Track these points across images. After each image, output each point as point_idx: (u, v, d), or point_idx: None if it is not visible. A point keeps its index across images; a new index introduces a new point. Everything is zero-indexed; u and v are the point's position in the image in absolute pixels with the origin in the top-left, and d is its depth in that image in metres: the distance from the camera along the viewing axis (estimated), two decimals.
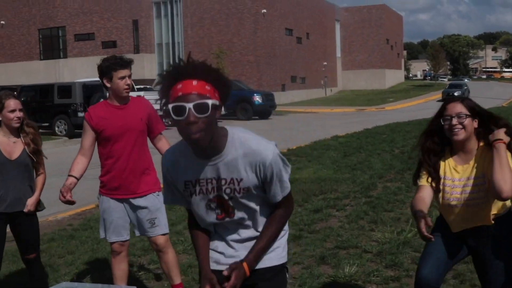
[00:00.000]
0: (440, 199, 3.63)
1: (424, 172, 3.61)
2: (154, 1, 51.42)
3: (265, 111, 31.38)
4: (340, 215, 7.83)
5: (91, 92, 22.60)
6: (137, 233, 4.84)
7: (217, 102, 2.40)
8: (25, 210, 4.61)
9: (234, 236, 2.77)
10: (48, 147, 19.30)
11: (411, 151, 12.28)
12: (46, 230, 7.90)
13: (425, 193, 3.57)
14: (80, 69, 49.87)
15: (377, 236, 6.55)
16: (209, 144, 2.44)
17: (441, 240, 3.68)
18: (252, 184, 2.59)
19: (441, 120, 3.52)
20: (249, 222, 2.74)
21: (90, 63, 50.49)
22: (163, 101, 2.45)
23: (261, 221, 2.75)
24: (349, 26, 73.24)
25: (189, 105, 2.31)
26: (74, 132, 22.64)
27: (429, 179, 3.58)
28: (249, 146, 2.55)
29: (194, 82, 2.36)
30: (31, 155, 4.62)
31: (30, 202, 4.62)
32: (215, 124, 2.44)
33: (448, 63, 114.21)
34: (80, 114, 22.04)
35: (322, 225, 7.31)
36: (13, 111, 4.48)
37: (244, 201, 2.65)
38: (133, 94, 21.95)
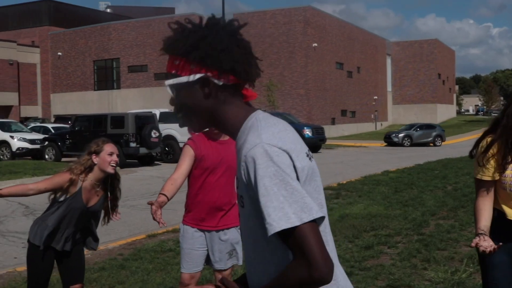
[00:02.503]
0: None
1: (492, 162, 3.49)
2: None
3: (315, 145, 31.31)
4: (391, 252, 7.69)
5: (143, 123, 22.95)
6: (214, 266, 4.74)
7: (187, 76, 1.84)
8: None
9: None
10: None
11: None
12: (96, 259, 7.99)
13: (489, 195, 3.50)
14: (132, 100, 50.83)
15: (430, 275, 6.40)
16: (209, 127, 1.91)
17: (505, 260, 3.51)
18: (241, 191, 1.79)
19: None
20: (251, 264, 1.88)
21: (142, 94, 51.56)
22: None
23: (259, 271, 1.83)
24: (400, 60, 72.88)
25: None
26: (126, 162, 23.00)
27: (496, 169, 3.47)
28: (247, 138, 1.77)
29: (170, 62, 1.92)
30: (107, 209, 4.71)
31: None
32: (197, 104, 1.84)
33: (502, 98, 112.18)
34: (132, 145, 22.40)
35: (373, 262, 7.19)
36: (111, 154, 4.51)
37: (242, 222, 1.88)
38: None
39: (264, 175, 1.66)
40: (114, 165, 4.53)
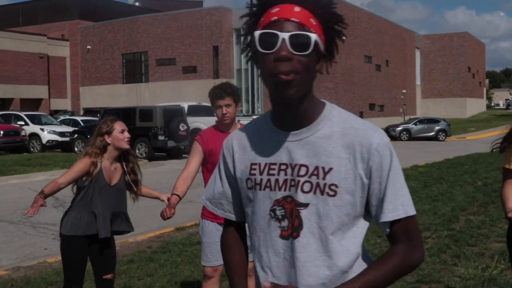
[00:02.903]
0: None
1: None
2: (234, 28, 52.15)
3: None
4: None
5: (171, 116, 23.06)
6: None
7: (321, 44, 1.75)
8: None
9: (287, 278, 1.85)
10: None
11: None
12: (125, 251, 8.04)
13: None
14: (160, 93, 51.07)
15: (460, 272, 6.32)
16: (299, 103, 1.78)
17: None
18: (345, 182, 1.76)
19: None
20: (313, 260, 1.80)
21: (170, 87, 51.79)
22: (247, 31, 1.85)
23: (340, 264, 1.80)
24: (429, 53, 72.16)
25: (284, 35, 1.68)
26: (154, 154, 23.15)
27: None
28: (351, 123, 1.80)
29: (297, 8, 1.73)
30: (129, 183, 4.79)
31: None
32: (313, 75, 1.78)
33: None
34: (160, 138, 22.53)
35: None
36: (123, 131, 4.64)
37: (323, 213, 1.77)
38: (210, 119, 22.18)
39: (397, 165, 1.79)
40: (127, 140, 4.67)
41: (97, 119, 30.02)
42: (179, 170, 17.81)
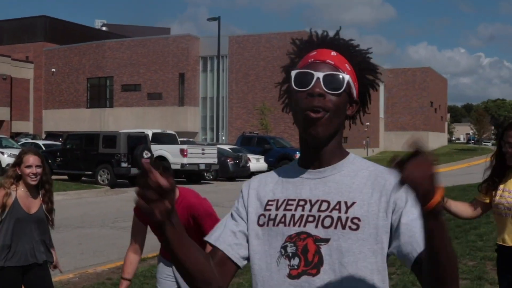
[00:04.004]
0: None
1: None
2: (201, 56, 52.30)
3: None
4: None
5: (135, 143, 22.83)
6: None
7: (353, 88, 1.84)
8: (53, 268, 4.87)
9: None
10: (90, 196, 19.47)
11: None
12: (85, 282, 7.84)
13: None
14: (124, 119, 50.74)
15: None
16: (326, 144, 1.80)
17: None
18: (367, 215, 1.71)
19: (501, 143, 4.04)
20: None
21: (135, 113, 51.51)
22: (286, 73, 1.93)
23: None
24: (393, 87, 73.24)
25: (319, 74, 1.76)
26: (117, 181, 22.84)
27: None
28: (376, 167, 1.82)
29: (333, 53, 1.83)
30: (46, 213, 4.73)
31: (57, 262, 4.93)
32: (342, 117, 1.82)
33: (493, 127, 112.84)
34: (123, 165, 22.26)
35: None
36: (29, 166, 4.55)
37: (346, 249, 1.70)
38: (175, 146, 21.84)
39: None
40: (33, 177, 4.58)
41: (59, 143, 29.58)
42: None
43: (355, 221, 1.69)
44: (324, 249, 1.70)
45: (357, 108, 1.90)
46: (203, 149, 25.63)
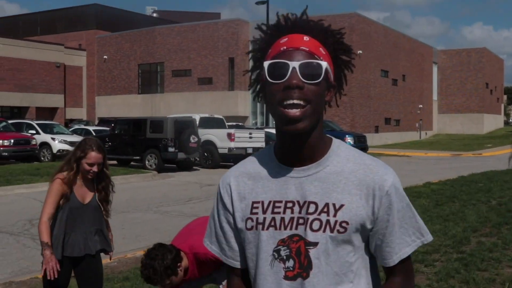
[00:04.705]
0: None
1: None
2: (251, 40, 52.06)
3: None
4: (428, 271, 7.27)
5: (182, 128, 22.85)
6: None
7: (330, 73, 1.73)
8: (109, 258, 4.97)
9: None
10: (137, 181, 19.60)
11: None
12: (122, 267, 7.79)
13: None
14: (175, 104, 51.02)
15: None
16: (308, 136, 1.71)
17: None
18: (356, 218, 1.69)
19: None
20: None
21: (185, 98, 51.75)
22: (257, 64, 1.82)
23: None
24: (447, 69, 71.62)
25: (294, 64, 1.64)
26: (164, 166, 22.94)
27: None
28: (362, 160, 1.75)
29: (306, 38, 1.71)
30: (99, 202, 4.68)
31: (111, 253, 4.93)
32: (323, 105, 1.74)
33: None
34: (170, 149, 22.32)
35: None
36: (91, 164, 4.51)
37: (333, 251, 1.70)
38: (222, 131, 21.92)
39: (408, 204, 1.79)
40: (92, 174, 4.55)
41: (109, 128, 29.94)
42: (188, 182, 17.59)
43: (344, 224, 1.69)
44: (312, 252, 1.70)
45: (334, 92, 1.81)
46: (250, 133, 25.52)
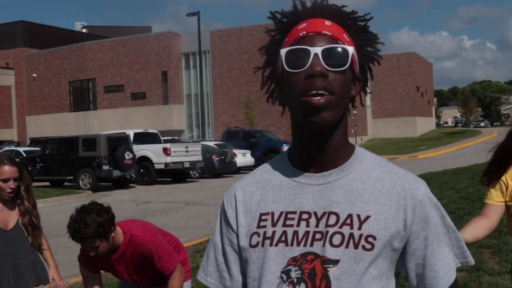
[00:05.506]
0: None
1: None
2: (183, 53, 51.69)
3: None
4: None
5: (116, 144, 22.29)
6: None
7: (357, 63, 1.52)
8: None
9: None
10: (71, 202, 18.93)
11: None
12: None
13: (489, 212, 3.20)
14: (109, 121, 50.16)
15: None
16: (332, 133, 1.49)
17: None
18: (384, 233, 1.42)
19: None
20: None
21: (119, 114, 50.90)
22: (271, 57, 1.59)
23: None
24: (378, 74, 72.89)
25: (316, 49, 1.42)
26: (99, 185, 22.32)
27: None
28: (389, 168, 1.53)
29: (327, 22, 1.48)
30: (23, 227, 4.10)
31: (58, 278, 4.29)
32: (348, 98, 1.51)
33: (480, 109, 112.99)
34: (105, 167, 21.71)
35: None
36: (6, 180, 3.98)
37: (357, 272, 1.41)
38: (157, 146, 21.48)
39: (443, 212, 1.52)
40: (10, 192, 4.01)
41: (39, 149, 29.01)
42: (124, 201, 16.97)
43: (370, 239, 1.41)
44: (332, 272, 1.40)
45: (360, 86, 1.58)
46: (186, 147, 25.11)
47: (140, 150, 24.16)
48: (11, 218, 4.07)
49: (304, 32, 1.46)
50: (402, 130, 71.77)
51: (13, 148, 35.25)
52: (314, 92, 1.40)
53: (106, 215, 3.61)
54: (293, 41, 1.47)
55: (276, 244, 1.45)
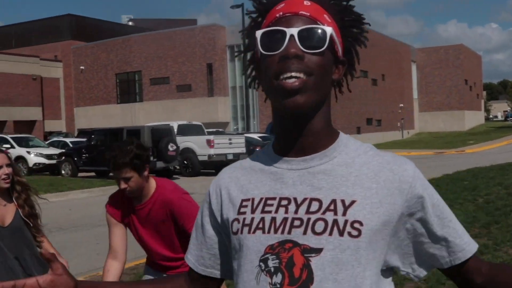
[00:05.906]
0: None
1: None
2: (228, 45, 51.69)
3: None
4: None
5: (159, 136, 22.41)
6: None
7: (338, 44, 1.44)
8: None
9: None
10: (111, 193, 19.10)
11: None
12: None
13: None
14: (155, 113, 50.56)
15: None
16: (310, 117, 1.40)
17: None
18: (371, 218, 1.32)
19: None
20: None
21: (164, 106, 51.27)
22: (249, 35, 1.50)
23: None
24: (425, 67, 71.80)
25: (292, 30, 1.35)
26: None
27: None
28: (375, 152, 1.44)
29: (306, 2, 1.40)
30: (25, 219, 3.94)
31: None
32: (328, 81, 1.42)
33: None
34: None
35: None
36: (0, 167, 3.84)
37: (342, 261, 1.30)
38: (201, 138, 21.50)
39: (433, 188, 1.44)
40: (5, 178, 3.84)
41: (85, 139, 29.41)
42: None
43: (356, 225, 1.31)
44: (314, 262, 1.30)
45: (343, 70, 1.49)
46: (230, 139, 25.13)
47: (184, 141, 24.25)
48: (8, 214, 3.90)
49: (281, 13, 1.40)
50: (449, 124, 70.50)
51: (60, 139, 35.79)
52: (289, 74, 1.33)
53: (144, 151, 3.61)
54: (270, 22, 1.41)
55: (254, 231, 1.39)
